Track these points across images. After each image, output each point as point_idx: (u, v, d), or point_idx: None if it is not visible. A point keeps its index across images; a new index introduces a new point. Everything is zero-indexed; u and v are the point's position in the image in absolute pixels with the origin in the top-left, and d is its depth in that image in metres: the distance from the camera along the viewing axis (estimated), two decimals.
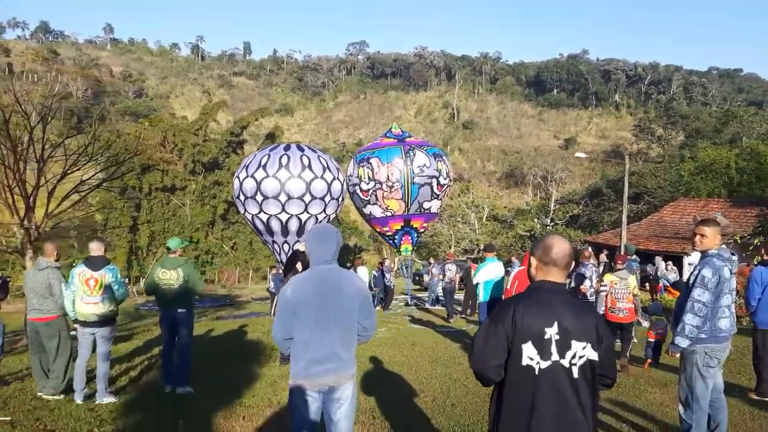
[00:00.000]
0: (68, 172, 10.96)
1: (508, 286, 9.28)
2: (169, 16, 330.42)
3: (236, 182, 12.74)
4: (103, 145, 13.33)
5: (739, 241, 17.68)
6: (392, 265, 18.66)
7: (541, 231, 43.49)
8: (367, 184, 14.06)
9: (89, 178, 11.67)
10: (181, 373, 6.17)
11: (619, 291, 7.73)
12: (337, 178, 12.82)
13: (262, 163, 12.27)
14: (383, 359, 8.05)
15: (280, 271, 13.22)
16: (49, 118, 11.01)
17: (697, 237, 4.21)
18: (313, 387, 3.16)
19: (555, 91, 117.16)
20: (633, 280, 7.91)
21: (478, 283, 9.86)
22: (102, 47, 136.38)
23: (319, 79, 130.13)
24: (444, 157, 14.73)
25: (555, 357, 2.31)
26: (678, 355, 4.25)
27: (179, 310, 6.15)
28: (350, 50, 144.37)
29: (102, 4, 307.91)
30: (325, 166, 12.60)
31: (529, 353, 2.32)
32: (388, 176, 13.86)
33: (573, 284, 9.21)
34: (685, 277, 11.78)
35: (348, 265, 17.64)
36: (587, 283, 9.06)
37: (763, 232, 18.23)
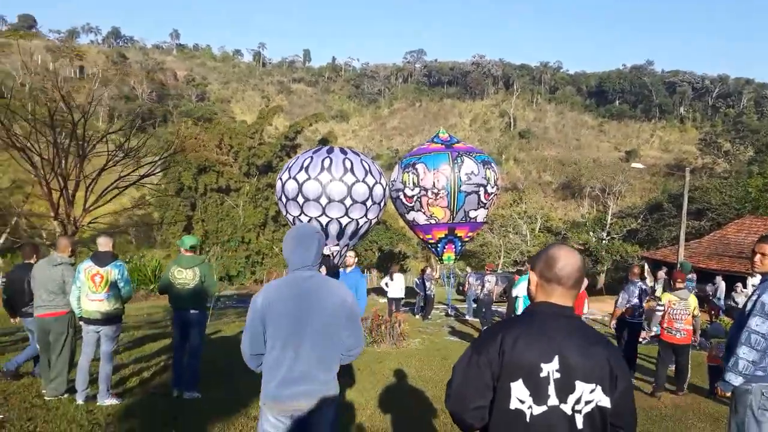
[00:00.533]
0: (106, 167, 11.02)
1: None
2: (233, 23, 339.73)
3: (278, 184, 12.61)
4: (142, 143, 13.40)
5: None
6: (434, 274, 18.17)
7: (596, 245, 41.95)
8: (412, 190, 13.64)
9: (127, 174, 11.71)
10: (189, 377, 5.91)
11: (678, 311, 7.13)
12: (379, 183, 12.52)
13: (305, 166, 12.10)
14: (408, 373, 7.62)
15: None
16: (109, 117, 11.16)
17: (758, 256, 3.56)
18: (285, 411, 2.70)
19: (617, 102, 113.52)
20: (693, 301, 7.27)
21: (517, 296, 9.38)
22: (168, 52, 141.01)
23: (375, 87, 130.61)
24: (493, 165, 14.09)
25: (553, 401, 1.78)
26: (729, 394, 3.63)
27: (192, 311, 5.90)
28: (407, 58, 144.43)
29: (170, 10, 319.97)
30: (367, 169, 12.33)
31: (518, 394, 1.79)
32: (434, 183, 13.40)
33: (635, 300, 8.45)
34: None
35: (390, 271, 17.29)
36: (635, 302, 8.35)
37: None
